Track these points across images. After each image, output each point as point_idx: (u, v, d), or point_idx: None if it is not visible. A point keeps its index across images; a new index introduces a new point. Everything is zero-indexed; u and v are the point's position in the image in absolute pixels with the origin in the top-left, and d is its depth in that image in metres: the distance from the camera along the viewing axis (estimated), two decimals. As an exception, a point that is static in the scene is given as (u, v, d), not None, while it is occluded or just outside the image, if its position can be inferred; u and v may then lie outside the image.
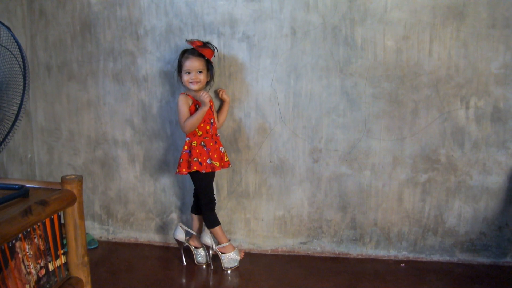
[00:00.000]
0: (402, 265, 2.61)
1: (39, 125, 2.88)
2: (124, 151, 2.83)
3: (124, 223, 2.92)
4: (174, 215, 2.83)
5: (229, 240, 2.56)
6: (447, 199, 2.59)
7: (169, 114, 2.73)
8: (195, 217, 2.62)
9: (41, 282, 1.75)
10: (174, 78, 2.63)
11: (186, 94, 2.47)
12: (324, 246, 2.74)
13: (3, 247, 1.50)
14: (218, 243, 2.54)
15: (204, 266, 2.58)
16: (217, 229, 2.52)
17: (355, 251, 2.72)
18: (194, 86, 2.43)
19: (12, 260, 1.56)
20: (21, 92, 1.70)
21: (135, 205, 2.88)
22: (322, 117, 2.59)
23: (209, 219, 2.51)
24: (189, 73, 2.42)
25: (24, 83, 1.68)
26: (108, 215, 2.92)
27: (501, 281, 2.42)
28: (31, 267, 1.68)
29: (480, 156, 2.53)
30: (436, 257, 2.66)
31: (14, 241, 1.57)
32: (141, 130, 2.79)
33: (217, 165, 2.44)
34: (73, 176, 1.89)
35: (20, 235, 1.59)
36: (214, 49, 2.47)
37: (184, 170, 2.40)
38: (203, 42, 2.44)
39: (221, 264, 2.53)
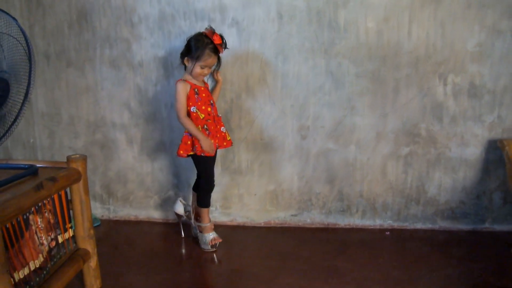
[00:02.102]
0: (387, 233, 2.76)
1: (40, 110, 2.97)
2: (122, 133, 2.93)
3: (124, 202, 3.04)
4: (171, 193, 2.96)
5: (210, 222, 2.61)
6: (428, 170, 2.73)
7: (164, 97, 2.83)
8: (194, 194, 2.68)
9: (53, 253, 1.90)
10: (174, 61, 2.73)
11: (184, 80, 2.47)
12: (314, 218, 2.87)
13: (18, 219, 1.65)
14: (203, 220, 2.61)
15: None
16: (204, 210, 2.58)
17: (343, 221, 2.86)
18: (202, 79, 2.53)
19: (27, 231, 1.71)
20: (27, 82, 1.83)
21: (134, 184, 3.00)
22: (309, 96, 2.71)
23: (202, 200, 2.58)
24: (202, 68, 2.43)
25: (29, 75, 1.80)
26: (108, 194, 3.04)
27: (479, 246, 2.56)
28: (43, 238, 1.83)
29: (458, 129, 2.66)
30: (419, 225, 2.81)
31: (28, 214, 1.72)
32: (137, 113, 2.89)
33: (217, 146, 2.52)
34: (78, 156, 2.03)
35: (32, 209, 1.74)
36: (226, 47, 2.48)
37: (181, 152, 2.46)
38: (222, 39, 2.42)
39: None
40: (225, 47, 2.45)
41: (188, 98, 2.45)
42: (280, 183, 2.84)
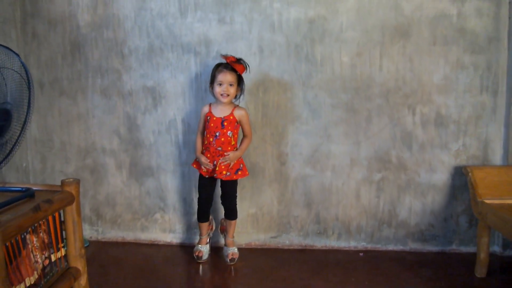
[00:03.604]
0: (361, 254, 2.90)
1: (33, 136, 3.09)
2: (111, 158, 3.05)
3: (112, 224, 3.13)
4: (158, 215, 3.07)
5: (204, 235, 2.86)
6: (399, 195, 2.89)
7: (152, 125, 2.97)
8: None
9: (46, 270, 2.03)
10: (204, 91, 2.90)
11: (209, 104, 2.68)
12: (292, 239, 3.00)
13: (17, 238, 1.79)
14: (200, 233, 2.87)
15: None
16: (199, 224, 2.84)
17: (319, 243, 2.99)
18: (225, 99, 2.58)
19: (24, 250, 1.84)
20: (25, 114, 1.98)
21: (122, 207, 3.10)
22: (287, 125, 2.87)
23: (197, 214, 2.83)
24: (221, 85, 2.56)
25: (29, 105, 1.96)
26: (97, 217, 3.14)
27: (446, 266, 2.71)
28: (38, 257, 1.96)
29: (426, 156, 2.83)
30: (391, 247, 2.94)
31: (25, 234, 1.86)
32: (127, 139, 3.01)
33: (204, 170, 2.68)
34: (71, 179, 2.17)
35: (29, 229, 1.88)
36: (246, 65, 2.59)
37: (194, 165, 2.76)
38: (236, 58, 2.57)
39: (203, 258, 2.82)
40: (243, 64, 2.58)
41: (204, 121, 2.69)
42: (260, 206, 2.98)
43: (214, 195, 2.83)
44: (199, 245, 2.84)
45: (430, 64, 2.76)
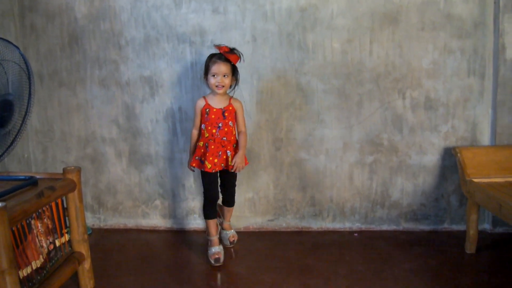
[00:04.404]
0: (356, 234, 2.99)
1: (34, 127, 3.16)
2: (111, 147, 3.13)
3: (113, 212, 3.22)
4: (158, 202, 3.16)
5: (215, 235, 2.69)
6: (391, 176, 2.98)
7: (149, 113, 3.04)
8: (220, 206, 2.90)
9: (51, 255, 2.13)
10: (200, 81, 2.93)
11: (204, 97, 2.62)
12: (289, 222, 3.09)
13: (22, 223, 1.88)
14: (208, 233, 2.71)
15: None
16: (206, 221, 2.71)
17: (315, 225, 3.08)
18: (220, 91, 2.53)
19: (29, 234, 1.93)
20: (26, 104, 2.06)
21: (123, 195, 3.19)
22: (281, 111, 2.94)
23: (203, 211, 2.71)
24: (215, 76, 2.51)
25: (29, 98, 2.04)
26: (99, 205, 3.23)
27: (438, 243, 2.81)
28: (43, 241, 2.05)
29: (416, 139, 2.91)
30: (384, 227, 3.04)
31: (30, 219, 1.95)
32: (125, 128, 3.09)
33: (208, 166, 2.54)
34: (73, 167, 2.27)
35: (34, 214, 1.97)
36: (240, 55, 2.55)
37: (194, 165, 2.66)
38: (229, 48, 2.53)
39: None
40: (237, 54, 2.53)
41: (201, 115, 2.62)
42: (257, 191, 3.06)
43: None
44: (213, 247, 2.66)
45: (419, 49, 2.83)
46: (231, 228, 2.93)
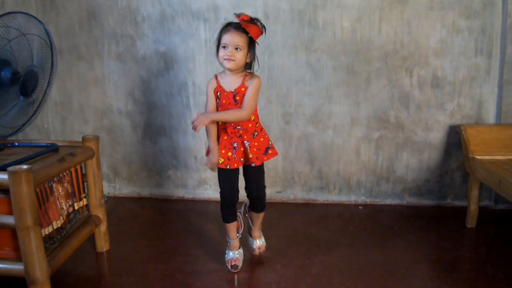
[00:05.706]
0: (360, 207, 3.09)
1: (53, 99, 3.29)
2: (127, 119, 3.25)
3: (128, 181, 3.36)
4: (170, 172, 3.29)
5: (235, 239, 2.34)
6: (397, 152, 3.05)
7: (164, 87, 3.15)
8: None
9: (70, 217, 2.27)
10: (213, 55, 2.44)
11: (215, 76, 2.15)
12: (296, 194, 3.20)
13: (45, 185, 2.02)
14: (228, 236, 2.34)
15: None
16: (225, 225, 2.30)
17: (322, 197, 3.18)
18: (229, 64, 2.03)
19: (51, 196, 2.07)
20: (49, 75, 2.19)
21: (138, 165, 3.32)
22: (291, 87, 3.03)
23: (221, 213, 2.28)
24: (225, 47, 2.02)
25: (52, 69, 2.16)
26: (114, 174, 3.37)
27: (440, 218, 2.90)
28: (63, 204, 2.20)
29: (422, 116, 2.97)
30: (388, 201, 3.13)
31: (52, 182, 2.08)
32: (141, 102, 3.21)
33: (220, 161, 2.14)
34: (91, 136, 2.39)
35: (55, 178, 2.10)
36: (262, 28, 2.04)
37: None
38: (250, 17, 2.02)
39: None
40: (257, 25, 2.03)
41: (216, 97, 2.15)
42: (266, 163, 3.09)
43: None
44: (231, 252, 2.32)
45: (427, 28, 2.87)
46: (261, 237, 2.47)
